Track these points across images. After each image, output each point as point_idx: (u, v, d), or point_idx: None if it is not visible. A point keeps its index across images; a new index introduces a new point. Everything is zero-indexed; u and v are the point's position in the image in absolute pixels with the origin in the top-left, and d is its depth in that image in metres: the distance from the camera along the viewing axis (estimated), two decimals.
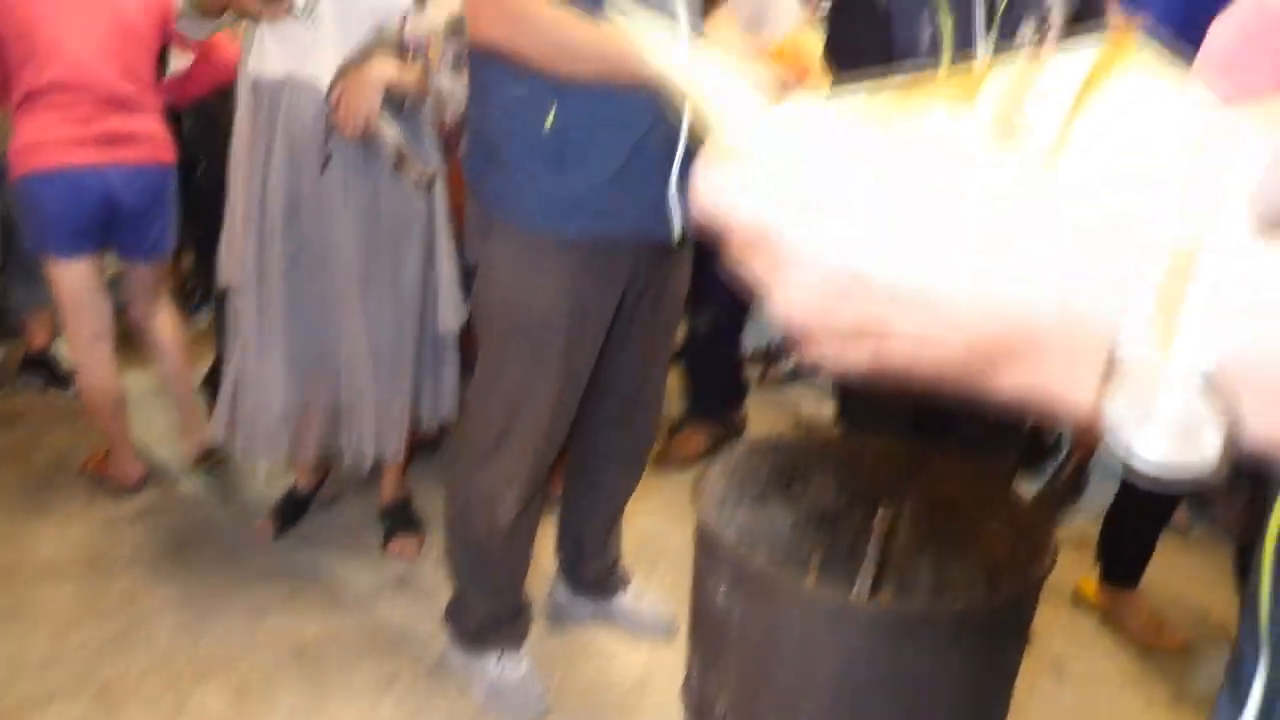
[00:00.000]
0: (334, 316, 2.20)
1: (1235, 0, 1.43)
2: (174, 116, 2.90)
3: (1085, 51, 0.37)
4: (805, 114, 0.38)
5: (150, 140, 2.57)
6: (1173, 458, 0.33)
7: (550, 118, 1.63)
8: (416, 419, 2.35)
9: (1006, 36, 1.77)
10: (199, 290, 3.86)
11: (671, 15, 1.65)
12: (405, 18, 2.12)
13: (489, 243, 1.76)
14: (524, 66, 1.61)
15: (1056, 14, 1.79)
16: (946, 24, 1.75)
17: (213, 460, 2.79)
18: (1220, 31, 1.44)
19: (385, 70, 2.06)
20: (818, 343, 0.38)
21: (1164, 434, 0.32)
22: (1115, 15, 1.89)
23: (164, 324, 2.76)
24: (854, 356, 0.38)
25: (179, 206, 2.72)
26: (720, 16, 1.82)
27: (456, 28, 2.15)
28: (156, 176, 2.59)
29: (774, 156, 0.38)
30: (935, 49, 1.74)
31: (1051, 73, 0.37)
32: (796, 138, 0.37)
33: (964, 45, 1.75)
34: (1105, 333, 0.33)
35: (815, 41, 1.48)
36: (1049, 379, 0.35)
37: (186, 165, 2.82)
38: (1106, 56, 0.37)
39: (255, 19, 2.10)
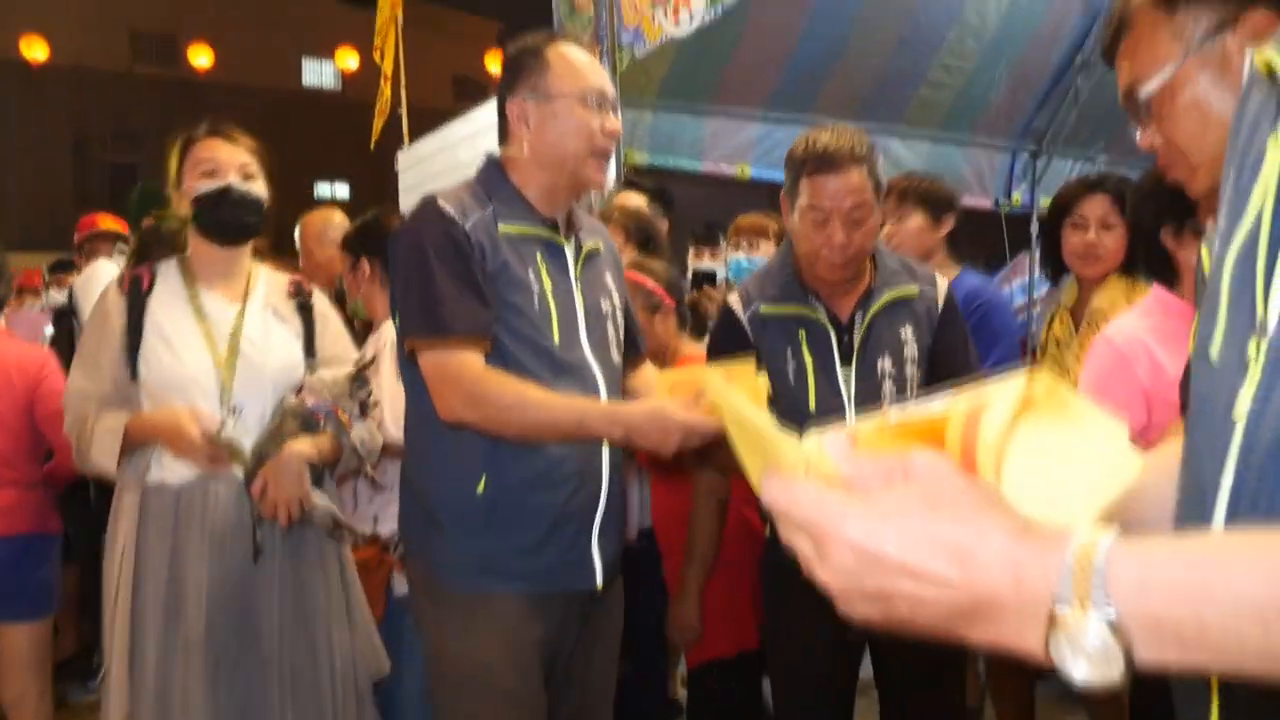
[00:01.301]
0: (257, 701, 2.05)
1: (1094, 344, 1.89)
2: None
3: (1011, 389, 0.57)
4: (833, 444, 0.60)
5: (8, 512, 2.65)
6: (1095, 677, 0.52)
7: (481, 484, 1.73)
8: None
9: (865, 371, 1.96)
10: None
11: (589, 381, 1.79)
12: (302, 387, 2.14)
13: (432, 604, 1.82)
14: (460, 436, 1.72)
15: (910, 348, 2.00)
16: (808, 359, 1.96)
17: None
18: (1084, 370, 1.87)
19: (303, 450, 2.05)
20: (847, 601, 0.58)
21: (1088, 662, 0.51)
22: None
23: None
24: (871, 612, 0.57)
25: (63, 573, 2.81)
26: (646, 375, 2.01)
27: (358, 378, 2.20)
28: (12, 547, 2.65)
29: (820, 475, 0.59)
30: (801, 381, 1.95)
31: (991, 410, 0.57)
32: (833, 462, 0.59)
33: (826, 378, 1.96)
34: (1045, 599, 0.52)
35: (750, 374, 1.66)
36: (1009, 631, 0.54)
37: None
38: (1029, 394, 0.58)
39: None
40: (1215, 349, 0.68)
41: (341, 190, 21.80)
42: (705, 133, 4.42)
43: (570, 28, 3.94)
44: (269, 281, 2.22)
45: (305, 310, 2.24)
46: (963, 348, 2.09)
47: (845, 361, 1.99)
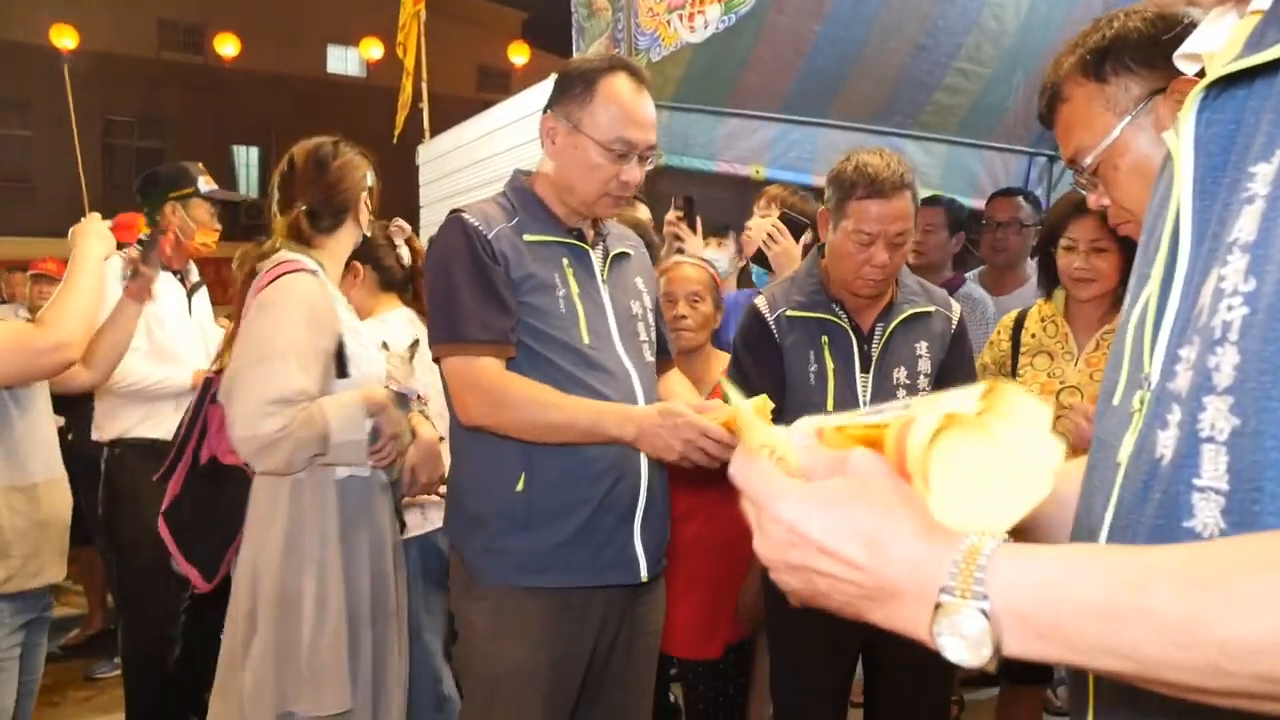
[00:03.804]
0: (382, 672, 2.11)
1: None
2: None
3: (947, 403, 0.64)
4: (799, 435, 0.71)
5: None
6: (968, 658, 0.60)
7: (520, 482, 1.77)
8: None
9: (881, 379, 2.06)
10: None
11: (622, 379, 1.84)
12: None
13: (469, 599, 1.87)
14: (498, 437, 1.77)
15: (924, 363, 2.10)
16: (829, 363, 2.04)
17: None
18: None
19: (433, 432, 2.21)
20: (774, 570, 0.68)
21: (963, 644, 0.60)
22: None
23: None
24: (794, 582, 0.67)
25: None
26: (672, 381, 2.07)
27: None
28: None
29: (781, 460, 0.69)
30: (821, 382, 2.05)
31: (920, 422, 0.64)
32: (794, 451, 0.70)
33: (845, 381, 2.05)
34: (935, 589, 0.60)
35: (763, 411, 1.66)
36: (904, 614, 0.62)
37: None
38: (975, 407, 0.65)
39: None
40: (1117, 396, 0.74)
41: None
42: (720, 133, 4.46)
43: (589, 30, 3.99)
44: None
45: None
46: (968, 367, 2.20)
47: (864, 368, 2.09)
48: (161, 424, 3.08)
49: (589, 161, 1.81)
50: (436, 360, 1.87)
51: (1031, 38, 4.49)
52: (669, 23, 3.41)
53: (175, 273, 3.26)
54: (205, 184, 3.25)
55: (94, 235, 2.27)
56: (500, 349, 1.78)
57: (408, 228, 2.87)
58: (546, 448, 1.77)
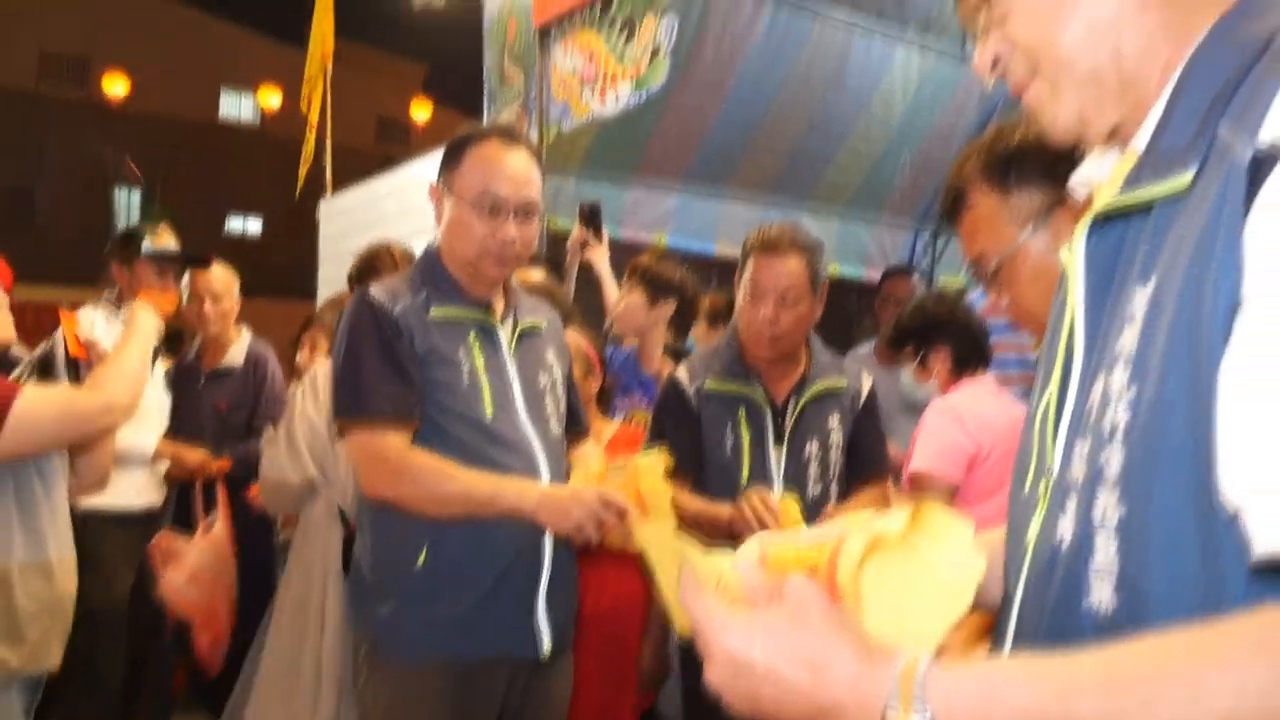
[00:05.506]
0: None
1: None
2: None
3: (891, 521, 0.73)
4: (744, 563, 0.76)
5: None
6: None
7: (423, 556, 1.78)
8: None
9: (794, 452, 2.14)
10: None
11: (526, 453, 1.85)
12: None
13: (370, 669, 1.86)
14: (401, 510, 1.78)
15: (835, 436, 2.20)
16: (745, 435, 2.13)
17: None
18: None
19: None
20: (726, 697, 0.72)
21: None
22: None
23: None
24: (745, 707, 0.71)
25: None
26: (583, 451, 2.08)
27: None
28: None
29: (727, 588, 0.76)
30: (736, 455, 2.13)
31: (848, 544, 0.72)
32: (739, 578, 0.76)
33: (759, 454, 2.13)
34: (878, 704, 0.65)
35: (655, 469, 1.73)
36: None
37: None
38: (898, 528, 0.73)
39: None
40: (1026, 485, 0.82)
41: (254, 225, 21.40)
42: (626, 201, 4.58)
43: (501, 96, 4.07)
44: None
45: None
46: (878, 440, 2.29)
47: (778, 441, 2.15)
48: (126, 493, 2.98)
49: (463, 221, 1.85)
50: (340, 434, 1.87)
51: (917, 121, 4.80)
52: (581, 95, 3.51)
53: None
54: (151, 244, 3.03)
55: (150, 308, 2.28)
56: (404, 423, 1.79)
57: None
58: (450, 520, 1.78)
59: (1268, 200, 0.61)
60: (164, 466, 3.25)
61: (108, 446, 2.29)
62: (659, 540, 0.95)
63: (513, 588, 1.83)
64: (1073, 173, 0.91)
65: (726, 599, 0.74)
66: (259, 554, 3.28)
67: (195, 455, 3.25)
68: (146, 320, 2.23)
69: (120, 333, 2.36)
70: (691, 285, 3.06)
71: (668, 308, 2.95)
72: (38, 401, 1.87)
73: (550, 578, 1.86)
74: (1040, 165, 1.28)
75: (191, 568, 2.83)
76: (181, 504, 3.34)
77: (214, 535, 2.93)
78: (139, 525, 3.09)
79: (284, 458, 2.54)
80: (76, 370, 2.27)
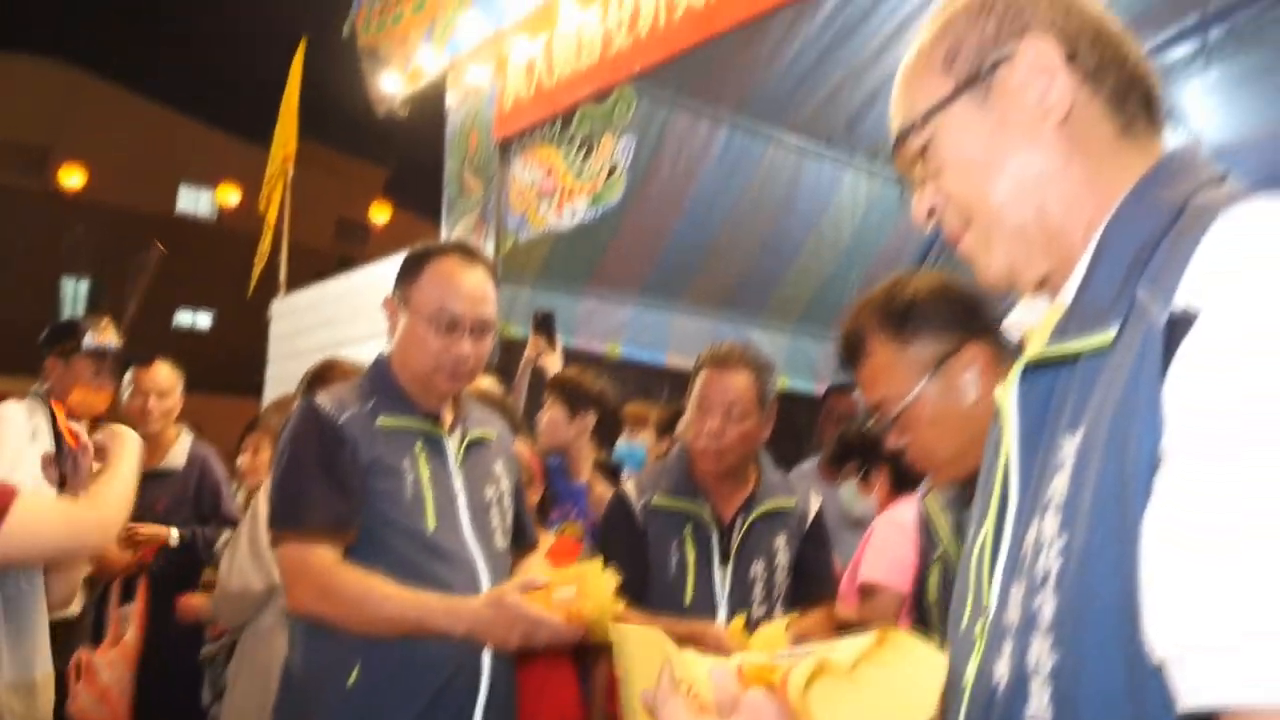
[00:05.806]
0: None
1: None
2: None
3: (853, 646, 0.76)
4: (718, 672, 0.76)
5: None
6: None
7: (353, 675, 1.73)
8: None
9: (740, 571, 2.15)
10: None
11: (468, 567, 1.82)
12: None
13: None
14: (333, 629, 1.73)
15: (781, 556, 2.21)
16: (690, 554, 2.14)
17: None
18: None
19: None
20: None
21: None
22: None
23: None
24: None
25: None
26: (527, 563, 2.05)
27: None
28: None
29: (695, 695, 0.76)
30: (681, 573, 2.12)
31: (798, 669, 0.75)
32: (708, 686, 0.76)
33: (704, 574, 2.13)
34: None
35: (599, 575, 1.75)
36: None
37: None
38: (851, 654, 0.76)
39: None
40: (963, 623, 0.83)
41: (204, 320, 21.21)
42: (580, 311, 4.64)
43: (459, 206, 4.14)
44: None
45: None
46: (825, 563, 2.29)
47: (723, 561, 2.13)
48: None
49: (418, 335, 1.84)
50: (273, 545, 1.82)
51: (865, 242, 4.96)
52: (539, 207, 3.59)
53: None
54: (92, 339, 2.89)
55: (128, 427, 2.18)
56: (337, 536, 1.75)
57: None
58: (381, 637, 1.73)
59: (1183, 362, 0.64)
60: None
61: (81, 563, 2.21)
62: (637, 635, 0.96)
63: (449, 706, 1.77)
64: (970, 319, 0.95)
65: (694, 706, 0.75)
66: (183, 665, 3.13)
67: (121, 556, 3.13)
68: (132, 440, 2.15)
69: (40, 430, 2.31)
70: (612, 397, 3.09)
71: (589, 419, 2.97)
72: (37, 508, 1.75)
73: (488, 696, 1.80)
74: (936, 315, 1.33)
75: (102, 685, 2.69)
76: (100, 608, 3.19)
77: (124, 645, 2.79)
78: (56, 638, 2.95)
79: (246, 563, 2.47)
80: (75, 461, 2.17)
